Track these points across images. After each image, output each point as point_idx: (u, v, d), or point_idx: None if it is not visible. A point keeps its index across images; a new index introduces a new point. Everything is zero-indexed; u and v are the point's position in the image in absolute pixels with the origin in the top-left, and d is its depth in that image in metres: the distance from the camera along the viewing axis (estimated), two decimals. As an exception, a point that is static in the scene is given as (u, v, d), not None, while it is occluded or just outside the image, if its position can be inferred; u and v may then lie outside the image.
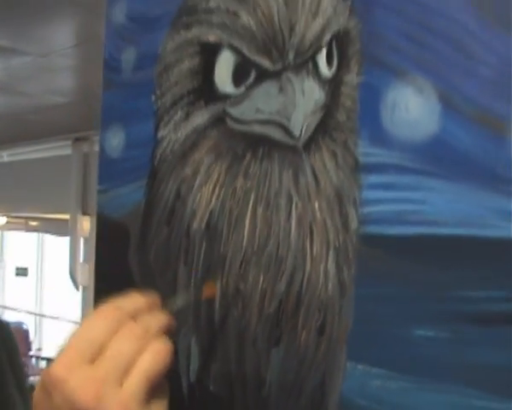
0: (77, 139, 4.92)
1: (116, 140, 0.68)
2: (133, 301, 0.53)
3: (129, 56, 0.68)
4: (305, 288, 0.54)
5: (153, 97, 0.64)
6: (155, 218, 0.63)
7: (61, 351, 0.49)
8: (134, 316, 0.51)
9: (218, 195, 0.58)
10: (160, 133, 0.63)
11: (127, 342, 0.50)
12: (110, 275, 0.69)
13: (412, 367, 0.49)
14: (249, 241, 0.56)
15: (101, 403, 0.46)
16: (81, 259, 5.07)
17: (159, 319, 0.53)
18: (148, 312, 0.53)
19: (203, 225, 0.59)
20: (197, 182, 0.60)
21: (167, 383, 0.52)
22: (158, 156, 0.63)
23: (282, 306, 0.55)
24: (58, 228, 6.60)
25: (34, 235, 9.18)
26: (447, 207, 0.48)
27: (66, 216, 5.09)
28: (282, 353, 0.55)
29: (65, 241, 5.54)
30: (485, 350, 0.46)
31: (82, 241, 5.09)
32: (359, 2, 0.53)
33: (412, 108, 0.50)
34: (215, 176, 0.59)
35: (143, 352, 0.50)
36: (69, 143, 4.99)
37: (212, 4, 0.60)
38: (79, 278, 4.91)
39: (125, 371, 0.49)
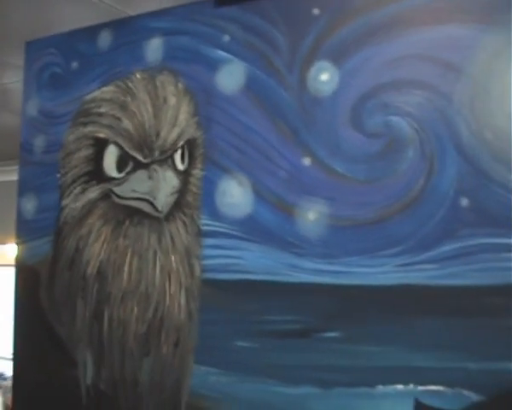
0: None
1: (30, 205, 0.90)
2: None
3: (39, 142, 0.90)
4: (165, 315, 0.78)
5: (58, 175, 0.86)
6: (60, 265, 0.85)
7: None
8: None
9: (105, 249, 0.82)
10: (63, 202, 0.85)
11: None
12: (26, 307, 0.90)
13: (235, 367, 0.74)
14: (127, 282, 0.80)
15: None
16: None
17: None
18: None
19: (95, 271, 0.82)
20: (90, 239, 0.83)
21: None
22: (61, 219, 0.85)
23: (150, 328, 0.78)
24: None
25: None
26: (256, 262, 0.73)
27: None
28: (151, 361, 0.78)
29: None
30: (281, 354, 0.71)
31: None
32: (203, 119, 0.78)
33: (235, 195, 0.75)
34: (103, 236, 0.82)
35: None
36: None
37: (102, 110, 0.83)
38: None
39: None
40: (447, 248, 0.65)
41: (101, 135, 0.83)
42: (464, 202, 0.65)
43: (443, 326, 0.65)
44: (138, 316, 0.79)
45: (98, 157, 0.83)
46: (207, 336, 0.76)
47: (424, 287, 0.66)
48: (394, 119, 0.68)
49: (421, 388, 0.66)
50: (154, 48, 0.82)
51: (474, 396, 0.64)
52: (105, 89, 0.84)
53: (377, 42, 0.69)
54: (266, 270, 0.73)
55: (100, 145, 0.83)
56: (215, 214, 0.76)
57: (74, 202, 0.84)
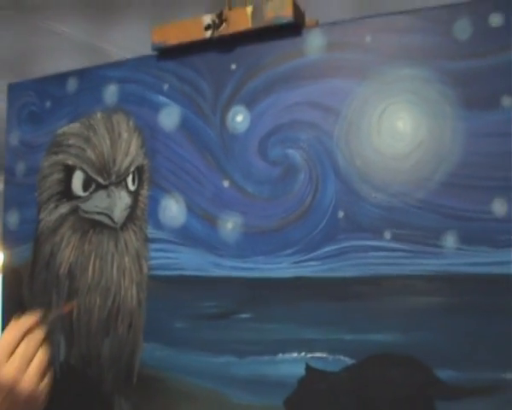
0: None
1: (13, 218, 1.10)
2: (29, 319, 0.93)
3: (21, 167, 1.10)
4: (121, 304, 0.98)
5: (36, 194, 1.06)
6: (38, 266, 1.05)
7: None
8: (30, 328, 0.92)
9: (74, 253, 1.02)
10: (40, 216, 1.05)
11: (30, 344, 0.89)
12: (11, 303, 1.10)
13: (174, 343, 0.93)
14: (91, 279, 1.00)
15: (18, 381, 0.80)
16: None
17: (42, 331, 0.94)
18: (36, 325, 0.93)
19: (66, 271, 1.02)
20: (62, 246, 1.03)
21: (51, 367, 0.94)
22: (39, 230, 1.05)
23: (110, 314, 0.99)
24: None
25: None
26: (189, 261, 0.93)
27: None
28: (110, 340, 0.98)
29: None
30: (209, 332, 0.91)
31: None
32: (149, 150, 0.98)
33: (173, 210, 0.95)
34: (72, 243, 1.02)
35: (38, 350, 0.90)
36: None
37: (70, 142, 1.03)
38: None
39: (29, 361, 0.87)
40: (328, 249, 0.85)
41: (70, 162, 1.03)
42: (341, 214, 0.85)
43: (325, 308, 0.85)
44: (100, 305, 0.99)
45: (67, 180, 1.03)
46: (153, 319, 0.95)
47: (311, 278, 0.86)
48: (290, 151, 0.89)
49: (310, 355, 0.86)
50: (110, 92, 1.02)
51: (348, 360, 0.84)
52: (72, 125, 1.04)
53: (278, 91, 0.90)
54: (196, 267, 0.93)
55: (69, 170, 1.03)
56: (158, 225, 0.96)
57: (49, 216, 1.04)
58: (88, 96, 1.03)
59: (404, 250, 0.81)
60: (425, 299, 0.80)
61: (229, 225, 0.91)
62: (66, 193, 1.02)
